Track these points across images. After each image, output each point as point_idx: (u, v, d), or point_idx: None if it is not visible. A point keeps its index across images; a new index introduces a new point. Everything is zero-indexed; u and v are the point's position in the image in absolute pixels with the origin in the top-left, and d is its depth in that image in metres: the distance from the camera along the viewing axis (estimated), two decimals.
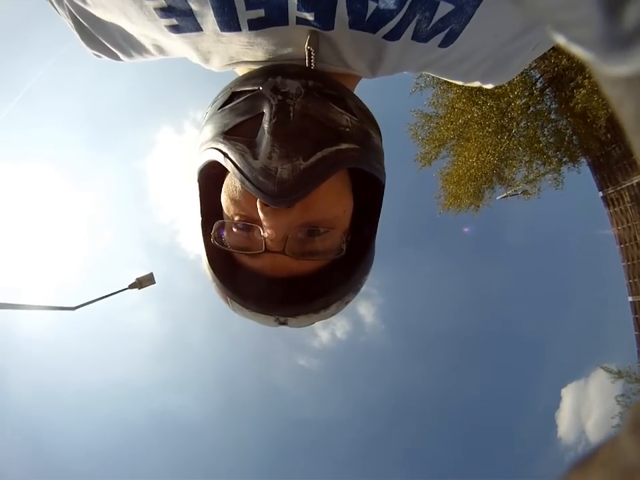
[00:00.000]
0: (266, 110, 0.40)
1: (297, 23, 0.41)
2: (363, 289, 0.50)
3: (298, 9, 0.40)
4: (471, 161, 7.86)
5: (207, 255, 0.46)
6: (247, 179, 0.38)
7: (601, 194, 9.19)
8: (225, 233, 0.45)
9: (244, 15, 0.40)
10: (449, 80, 0.54)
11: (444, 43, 0.44)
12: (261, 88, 0.42)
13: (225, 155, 0.40)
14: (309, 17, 0.40)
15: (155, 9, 0.40)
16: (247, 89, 0.43)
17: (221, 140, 0.41)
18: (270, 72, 0.43)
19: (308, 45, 0.43)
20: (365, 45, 0.44)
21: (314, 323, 0.48)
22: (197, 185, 0.47)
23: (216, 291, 0.47)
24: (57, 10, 0.48)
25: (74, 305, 5.45)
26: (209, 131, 0.44)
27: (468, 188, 8.17)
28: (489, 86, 0.55)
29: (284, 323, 0.46)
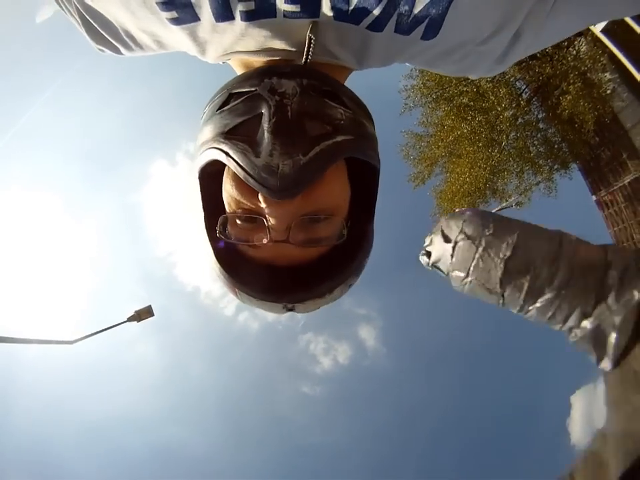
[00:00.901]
0: (265, 110, 0.42)
1: (284, 16, 0.43)
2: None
3: (285, 2, 0.42)
4: (463, 176, 7.90)
5: (213, 249, 0.48)
6: (250, 175, 0.41)
7: (594, 197, 9.25)
8: (229, 227, 0.46)
9: (236, 6, 0.42)
10: (437, 72, 0.56)
11: (426, 35, 0.45)
12: (257, 89, 0.44)
13: (227, 153, 0.42)
14: (295, 9, 0.42)
15: (157, 2, 0.42)
16: (244, 90, 0.45)
17: (222, 140, 0.44)
18: (265, 73, 0.45)
19: (310, 33, 0.44)
20: (349, 36, 0.46)
21: (320, 307, 0.51)
22: (198, 182, 0.49)
23: (223, 284, 0.49)
24: (63, 8, 0.50)
25: (72, 339, 5.44)
26: (208, 131, 0.46)
27: (462, 204, 8.20)
28: (472, 77, 0.57)
29: (291, 309, 0.48)
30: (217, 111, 0.46)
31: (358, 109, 0.48)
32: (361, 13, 0.43)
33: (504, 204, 8.79)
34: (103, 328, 5.85)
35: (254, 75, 0.46)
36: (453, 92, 7.61)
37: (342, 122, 0.45)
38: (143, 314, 5.97)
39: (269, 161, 0.40)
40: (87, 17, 0.48)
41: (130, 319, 5.94)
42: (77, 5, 0.48)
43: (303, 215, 0.44)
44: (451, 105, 7.66)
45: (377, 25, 0.44)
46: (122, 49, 0.52)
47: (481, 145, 7.74)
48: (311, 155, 0.41)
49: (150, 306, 6.07)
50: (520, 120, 8.12)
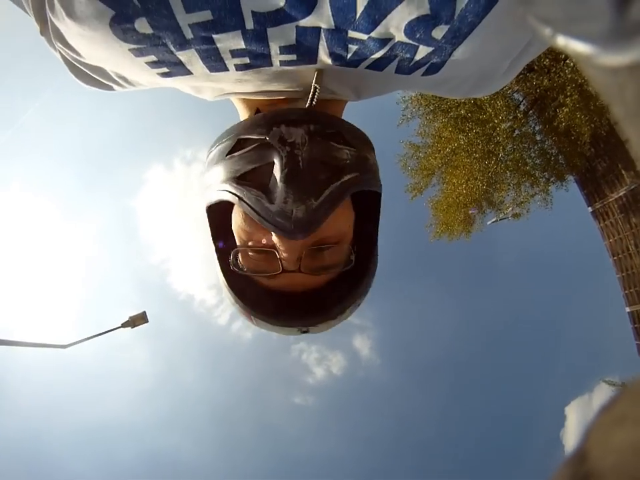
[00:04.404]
0: (276, 160, 0.44)
1: (281, 65, 0.45)
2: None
3: (280, 53, 0.43)
4: (460, 188, 7.91)
5: (226, 280, 0.51)
6: (265, 219, 0.43)
7: (590, 209, 9.28)
8: (240, 258, 0.49)
9: (230, 61, 0.44)
10: (433, 94, 0.57)
11: (427, 73, 0.47)
12: (267, 138, 0.45)
13: (240, 198, 0.45)
14: (291, 58, 0.44)
15: (147, 62, 0.44)
16: (253, 137, 0.46)
17: (235, 185, 0.45)
18: (273, 120, 0.46)
19: (315, 83, 0.46)
20: (348, 76, 0.48)
21: (333, 327, 0.54)
22: (206, 217, 0.52)
23: (238, 311, 0.52)
24: (51, 47, 0.50)
25: (66, 343, 5.38)
26: (218, 173, 0.48)
27: (458, 215, 8.22)
28: (476, 96, 0.59)
29: (306, 332, 0.51)
30: (226, 155, 0.48)
31: (360, 144, 0.50)
32: (359, 58, 0.44)
33: (501, 215, 8.83)
34: (97, 333, 5.80)
35: (262, 123, 0.47)
36: (450, 104, 7.62)
37: (348, 161, 0.47)
38: (137, 320, 5.89)
39: (283, 207, 0.42)
40: (75, 64, 0.49)
41: (124, 325, 5.86)
42: (63, 54, 0.47)
43: (312, 244, 0.46)
44: (448, 116, 7.68)
45: (377, 67, 0.45)
46: (115, 87, 0.53)
47: (477, 156, 7.75)
48: (322, 199, 0.43)
49: (144, 312, 6.00)
50: (517, 132, 8.15)
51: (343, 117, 0.55)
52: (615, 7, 0.16)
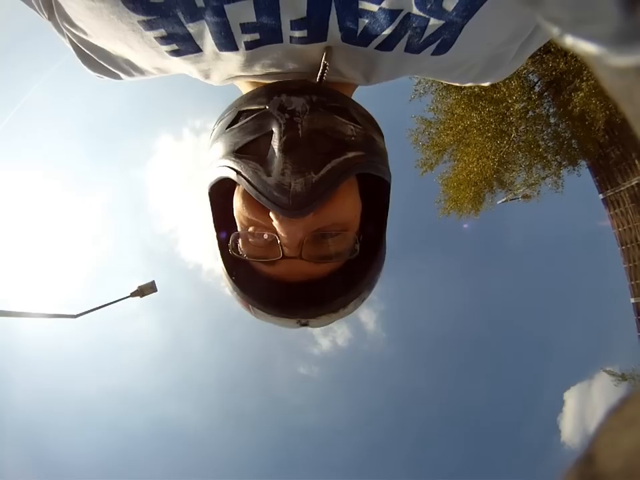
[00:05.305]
0: (275, 129, 0.42)
1: (291, 42, 0.43)
2: (364, 295, 0.52)
3: (291, 29, 0.42)
4: (471, 166, 7.86)
5: (225, 265, 0.48)
6: (262, 194, 0.40)
7: (601, 196, 9.21)
8: (240, 244, 0.46)
9: (240, 38, 0.42)
10: (443, 81, 0.56)
11: (437, 52, 0.45)
12: (267, 107, 0.43)
13: (238, 172, 0.42)
14: (302, 34, 0.42)
15: (156, 37, 0.42)
16: (253, 107, 0.45)
17: (233, 158, 0.43)
18: (274, 90, 0.45)
19: (325, 60, 0.44)
20: (357, 57, 0.46)
21: (334, 321, 0.50)
22: (208, 199, 0.49)
23: (237, 300, 0.49)
24: (59, 33, 0.49)
25: (75, 313, 5.44)
26: (218, 149, 0.46)
27: (468, 192, 8.17)
28: (484, 84, 0.57)
29: (305, 324, 0.48)
30: (226, 129, 0.46)
31: (368, 124, 0.48)
32: (369, 35, 0.42)
33: (510, 196, 8.78)
34: (106, 303, 5.86)
35: (262, 93, 0.45)
36: None
37: (353, 138, 0.44)
38: (146, 289, 5.93)
39: (280, 179, 0.40)
40: (83, 48, 0.48)
41: (133, 294, 5.90)
42: (70, 37, 0.47)
43: (314, 230, 0.44)
44: (462, 93, 7.61)
45: (387, 45, 0.44)
46: (122, 75, 0.52)
47: (490, 135, 7.69)
48: (322, 172, 0.41)
49: (153, 281, 6.02)
50: (530, 113, 8.08)
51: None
52: (622, 9, 0.16)
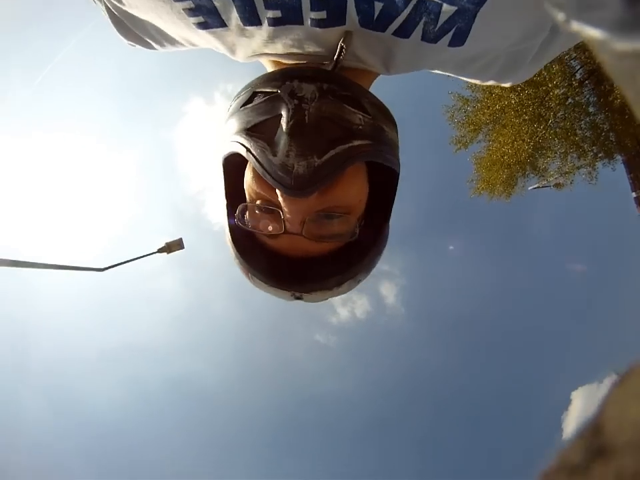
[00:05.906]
0: (284, 112, 0.44)
1: (311, 25, 0.45)
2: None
3: (311, 9, 0.43)
4: (505, 147, 7.71)
5: (231, 233, 0.51)
6: (267, 172, 0.43)
7: (634, 194, 8.97)
8: (247, 215, 0.49)
9: (264, 13, 0.44)
10: (464, 79, 0.57)
11: (453, 43, 0.46)
12: (279, 91, 0.45)
13: (248, 149, 0.45)
14: (322, 16, 0.44)
15: (184, 9, 0.45)
16: (267, 90, 0.47)
17: (244, 136, 0.46)
18: (288, 75, 0.46)
19: (342, 42, 0.46)
20: (375, 42, 0.47)
21: (327, 299, 0.53)
22: (221, 170, 0.52)
23: (238, 266, 0.53)
24: (94, 2, 0.52)
25: (102, 267, 5.42)
26: (233, 125, 0.48)
27: (501, 174, 8.01)
28: (505, 85, 0.58)
29: (299, 298, 0.51)
30: (240, 107, 0.48)
31: (379, 115, 0.49)
32: (386, 18, 0.44)
33: (543, 182, 8.58)
34: (133, 257, 5.85)
35: (277, 77, 0.47)
36: None
37: (360, 127, 0.46)
38: (174, 246, 5.93)
39: (285, 160, 0.42)
40: (118, 15, 0.51)
41: (160, 250, 5.90)
42: (107, 4, 0.50)
43: (318, 210, 0.46)
44: None
45: (404, 32, 0.45)
46: (154, 45, 0.55)
47: (527, 118, 7.53)
48: (325, 157, 0.42)
49: (181, 239, 6.04)
50: (570, 100, 7.90)
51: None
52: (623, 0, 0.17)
